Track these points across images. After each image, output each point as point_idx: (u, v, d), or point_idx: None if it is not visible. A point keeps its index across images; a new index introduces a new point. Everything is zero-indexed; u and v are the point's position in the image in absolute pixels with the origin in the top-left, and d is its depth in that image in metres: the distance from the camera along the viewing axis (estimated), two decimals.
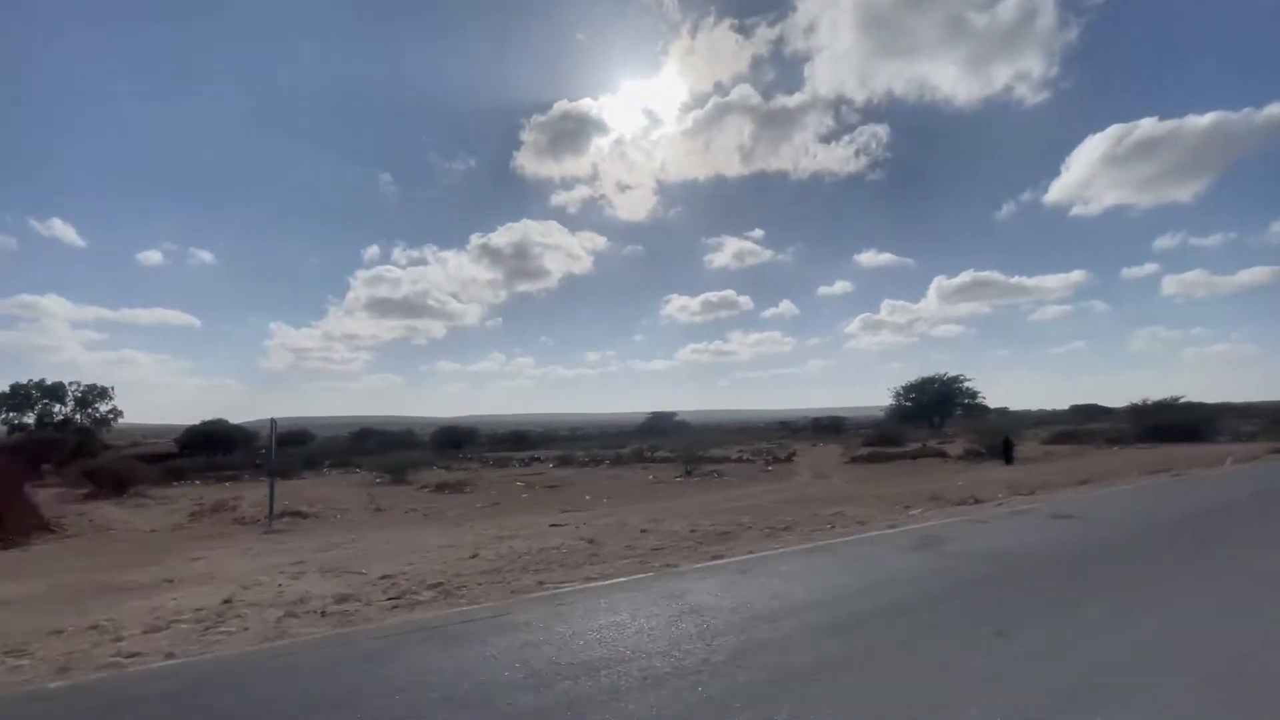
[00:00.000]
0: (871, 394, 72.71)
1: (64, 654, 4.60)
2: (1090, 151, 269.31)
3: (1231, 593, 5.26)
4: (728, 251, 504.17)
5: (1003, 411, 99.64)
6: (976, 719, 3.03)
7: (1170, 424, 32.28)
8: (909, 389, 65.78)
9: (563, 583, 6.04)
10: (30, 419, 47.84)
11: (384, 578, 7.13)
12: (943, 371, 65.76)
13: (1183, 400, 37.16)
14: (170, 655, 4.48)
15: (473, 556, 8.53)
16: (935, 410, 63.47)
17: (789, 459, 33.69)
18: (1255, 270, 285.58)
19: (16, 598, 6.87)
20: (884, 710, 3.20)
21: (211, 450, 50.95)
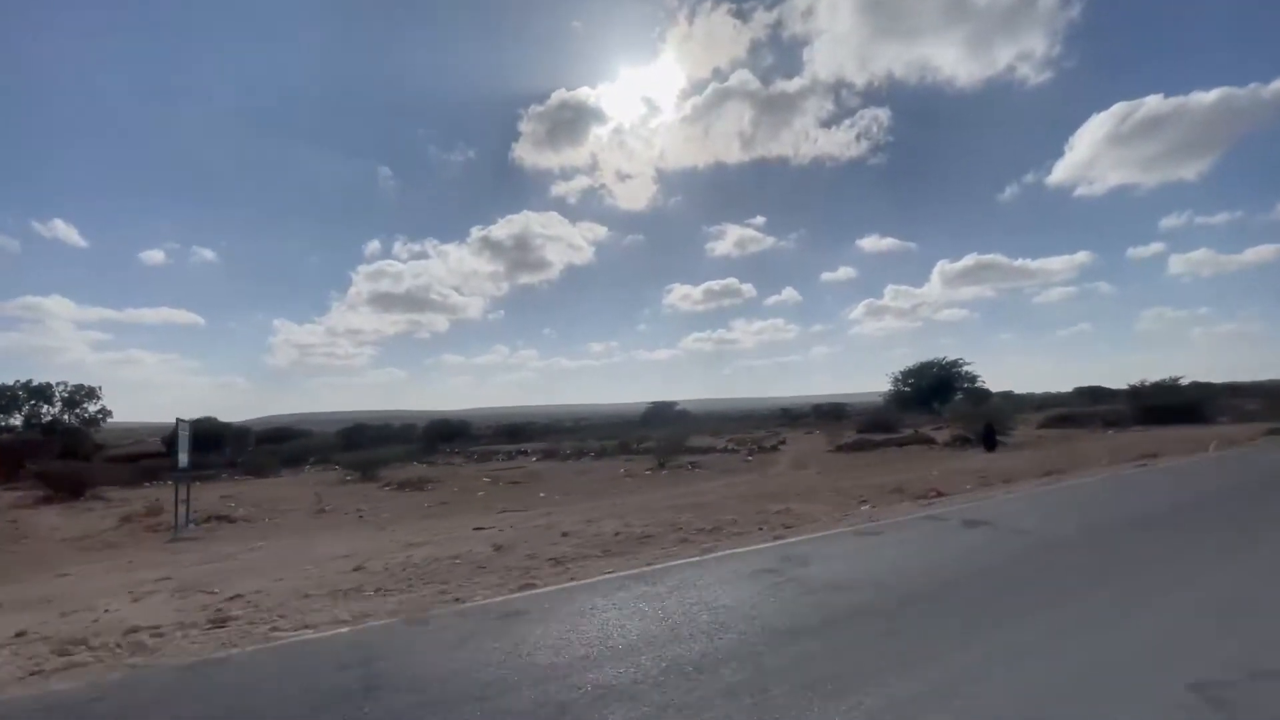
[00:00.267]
0: (876, 380, 71.74)
1: None
2: (1094, 131, 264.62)
3: (1095, 661, 3.59)
4: (729, 239, 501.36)
5: (1006, 395, 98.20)
6: None
7: (1169, 405, 31.21)
8: (907, 374, 64.73)
9: (395, 613, 5.27)
10: (18, 420, 47.66)
11: (232, 599, 6.42)
12: (942, 356, 64.62)
13: (1183, 381, 36.02)
14: None
15: (356, 569, 7.82)
16: (935, 395, 62.32)
17: (774, 448, 32.90)
18: (1262, 248, 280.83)
19: None
20: None
21: (201, 449, 50.76)
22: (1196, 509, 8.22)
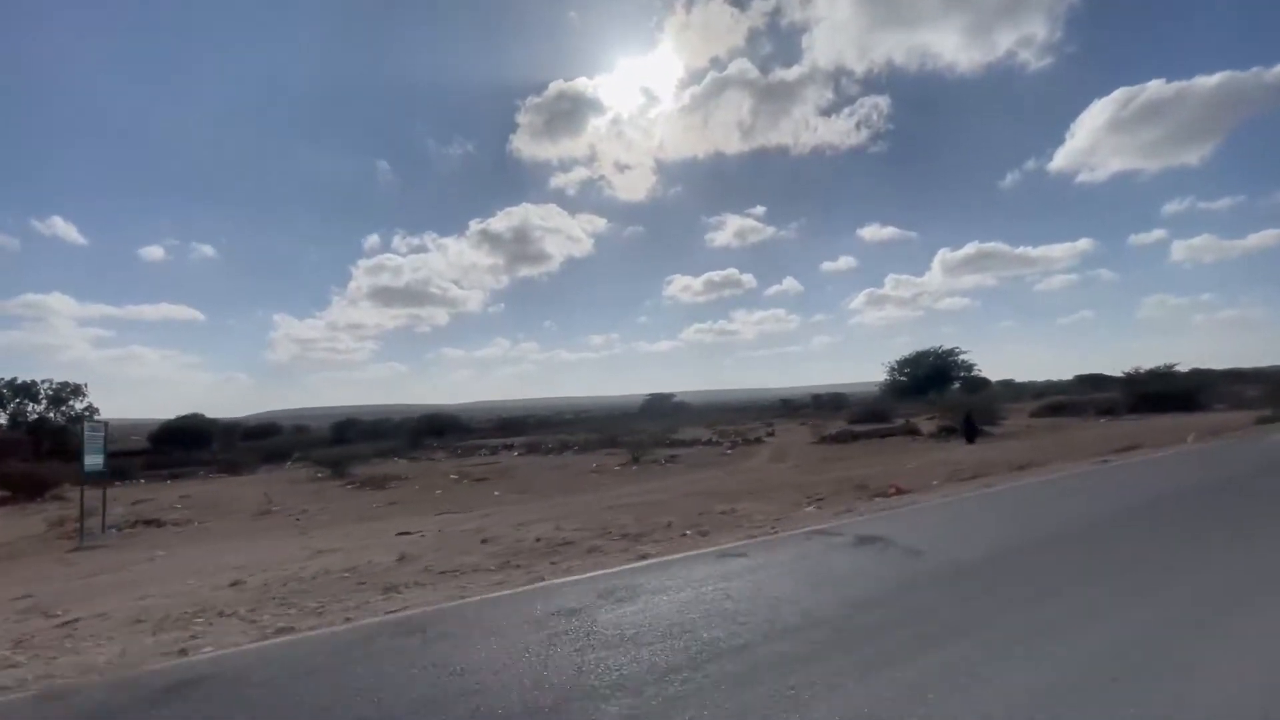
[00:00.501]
0: (877, 369, 70.68)
1: None
2: (1095, 116, 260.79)
3: None
4: (729, 229, 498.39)
5: (1007, 383, 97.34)
6: None
7: (1163, 393, 30.36)
8: (904, 364, 63.98)
9: (203, 645, 4.62)
10: (3, 419, 47.36)
11: (67, 623, 5.81)
12: (939, 345, 63.78)
13: (1179, 368, 35.10)
14: None
15: (233, 584, 7.22)
16: (931, 384, 61.47)
17: (759, 441, 32.25)
18: (1265, 233, 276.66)
19: None
20: None
21: (187, 445, 50.48)
22: (1134, 520, 7.12)
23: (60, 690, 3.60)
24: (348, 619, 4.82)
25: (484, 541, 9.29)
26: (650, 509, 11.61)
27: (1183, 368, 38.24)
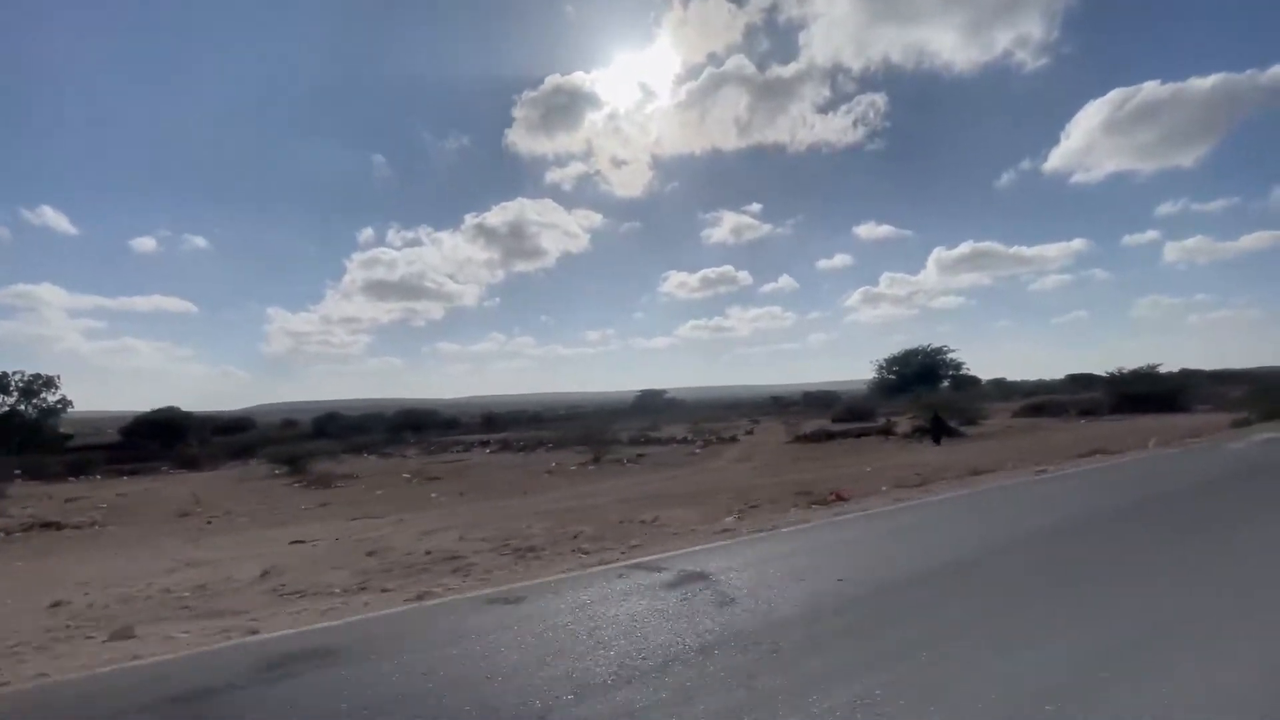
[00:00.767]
0: (872, 367, 70.13)
1: None
2: (1091, 117, 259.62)
3: None
4: (725, 226, 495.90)
5: (999, 382, 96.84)
6: None
7: (1146, 394, 29.66)
8: (892, 361, 63.29)
9: None
10: None
11: None
12: (927, 343, 63.16)
13: (1162, 368, 34.40)
14: None
15: (54, 606, 6.48)
16: (920, 382, 60.81)
17: (733, 439, 31.54)
18: (1258, 235, 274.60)
19: None
20: None
21: (161, 439, 49.60)
22: (1024, 550, 5.81)
23: None
24: (42, 675, 3.92)
25: (370, 554, 8.56)
26: (573, 516, 10.88)
27: (1172, 368, 37.62)
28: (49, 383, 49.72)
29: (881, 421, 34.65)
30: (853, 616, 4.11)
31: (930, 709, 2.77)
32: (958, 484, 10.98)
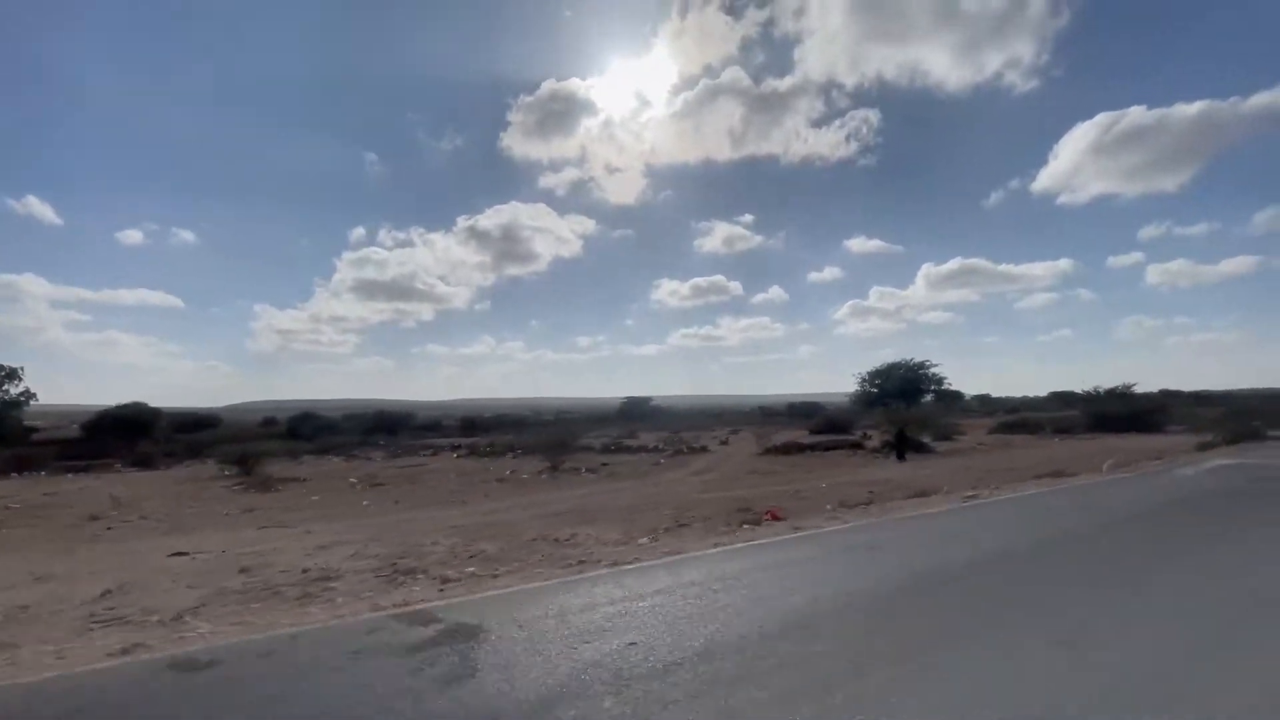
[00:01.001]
0: (855, 380, 69.66)
1: None
2: (1078, 140, 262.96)
3: None
4: (718, 236, 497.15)
5: (983, 397, 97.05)
6: None
7: (1120, 413, 29.32)
8: (874, 375, 62.93)
9: None
10: None
11: None
12: (910, 357, 62.95)
13: (1138, 388, 34.11)
14: None
15: None
16: (902, 396, 60.43)
17: (703, 449, 30.90)
18: (1239, 260, 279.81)
19: None
20: None
21: (124, 435, 48.37)
22: (839, 615, 4.54)
23: None
24: None
25: (243, 571, 7.83)
26: (489, 532, 10.19)
27: (1151, 389, 37.36)
28: (11, 374, 48.50)
29: (856, 435, 34.16)
30: (588, 707, 3.06)
31: None
32: (900, 507, 10.39)
